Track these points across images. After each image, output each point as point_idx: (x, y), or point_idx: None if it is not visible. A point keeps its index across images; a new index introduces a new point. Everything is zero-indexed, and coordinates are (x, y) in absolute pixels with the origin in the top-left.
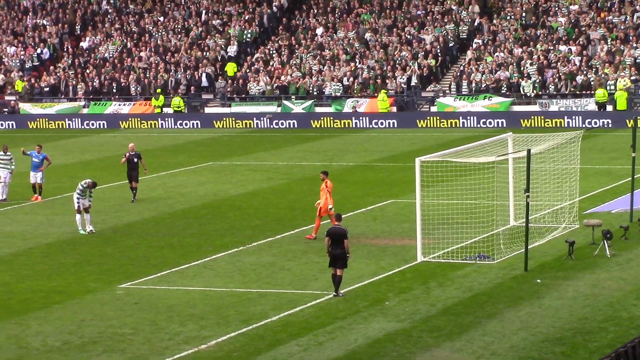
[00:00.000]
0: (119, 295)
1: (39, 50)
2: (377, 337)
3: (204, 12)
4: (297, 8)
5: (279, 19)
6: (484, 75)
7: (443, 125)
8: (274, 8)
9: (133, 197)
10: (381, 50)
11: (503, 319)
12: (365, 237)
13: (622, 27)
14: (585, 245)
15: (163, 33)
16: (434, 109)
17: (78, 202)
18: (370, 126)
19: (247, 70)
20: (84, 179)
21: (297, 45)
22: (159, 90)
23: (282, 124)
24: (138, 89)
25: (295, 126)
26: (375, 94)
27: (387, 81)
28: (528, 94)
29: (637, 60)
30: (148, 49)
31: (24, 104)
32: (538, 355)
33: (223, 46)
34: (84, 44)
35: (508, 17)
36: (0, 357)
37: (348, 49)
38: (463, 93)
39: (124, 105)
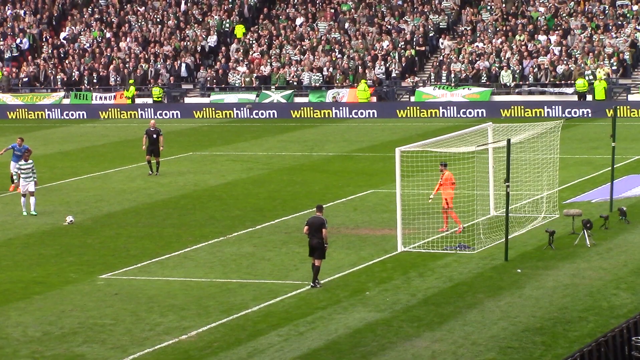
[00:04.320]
0: (99, 286)
1: (18, 41)
2: (357, 327)
3: (183, 1)
4: None
5: (259, 9)
6: (463, 65)
7: (423, 115)
8: None
9: (154, 170)
10: (361, 40)
11: (483, 308)
12: (346, 227)
13: (602, 17)
14: (566, 235)
15: (143, 23)
16: (413, 99)
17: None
18: (350, 116)
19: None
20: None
21: (277, 35)
22: (131, 82)
23: (262, 114)
24: (118, 79)
25: (275, 116)
26: (356, 84)
27: (367, 71)
28: (508, 84)
29: (620, 50)
30: (128, 39)
31: (3, 95)
32: (518, 344)
33: (204, 36)
34: (63, 34)
35: (488, 7)
36: None
37: (328, 39)
38: (443, 83)
39: (107, 96)
